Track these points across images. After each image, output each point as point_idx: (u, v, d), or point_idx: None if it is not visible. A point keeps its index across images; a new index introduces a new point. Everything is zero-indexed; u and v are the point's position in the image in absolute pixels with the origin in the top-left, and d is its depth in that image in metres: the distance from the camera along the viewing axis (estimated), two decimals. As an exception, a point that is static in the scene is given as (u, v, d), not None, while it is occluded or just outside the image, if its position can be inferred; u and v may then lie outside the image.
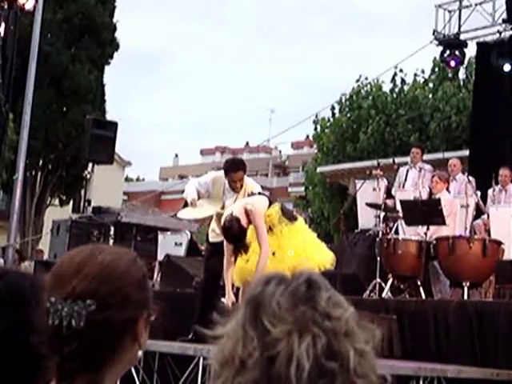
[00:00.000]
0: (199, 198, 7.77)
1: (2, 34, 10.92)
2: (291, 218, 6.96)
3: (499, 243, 8.62)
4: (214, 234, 7.72)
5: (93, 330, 1.46)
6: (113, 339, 1.50)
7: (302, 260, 6.61)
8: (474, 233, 9.61)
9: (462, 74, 24.57)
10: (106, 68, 23.25)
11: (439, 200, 9.09)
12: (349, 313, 1.16)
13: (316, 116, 25.41)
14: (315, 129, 26.48)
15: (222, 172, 7.86)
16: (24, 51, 12.39)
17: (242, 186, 7.64)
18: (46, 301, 1.49)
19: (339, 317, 1.14)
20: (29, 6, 11.26)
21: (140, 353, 1.57)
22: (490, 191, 10.67)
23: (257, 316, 1.14)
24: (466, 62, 16.49)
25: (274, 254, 6.74)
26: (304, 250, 6.77)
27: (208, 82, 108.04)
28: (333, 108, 25.66)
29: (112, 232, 13.24)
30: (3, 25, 10.91)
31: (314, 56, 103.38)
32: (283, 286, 1.16)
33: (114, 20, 23.20)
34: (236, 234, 6.70)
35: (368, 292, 9.17)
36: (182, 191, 8.24)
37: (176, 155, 68.21)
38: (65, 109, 22.03)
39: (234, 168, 7.69)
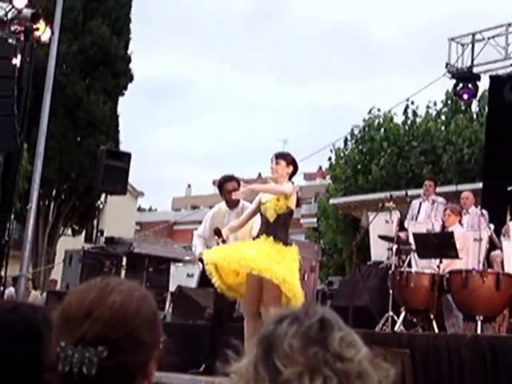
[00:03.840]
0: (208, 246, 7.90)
1: (18, 66, 11.02)
2: (280, 240, 6.90)
3: (513, 277, 8.56)
4: None
5: (104, 375, 1.43)
6: (124, 381, 1.47)
7: (257, 258, 6.57)
8: (488, 266, 9.56)
9: (474, 107, 24.60)
10: (120, 99, 23.45)
11: (452, 233, 9.05)
12: (362, 353, 1.15)
13: (333, 146, 25.46)
14: (329, 159, 26.49)
15: (217, 205, 8.03)
16: (39, 82, 12.50)
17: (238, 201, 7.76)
18: (55, 343, 1.46)
19: (352, 358, 1.13)
20: (45, 38, 11.37)
21: None
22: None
23: (269, 356, 1.13)
24: (478, 94, 16.51)
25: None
26: (266, 255, 6.69)
27: (221, 113, 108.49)
28: (346, 139, 25.71)
29: (124, 263, 13.25)
30: (19, 56, 11.01)
31: (327, 88, 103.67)
32: (296, 326, 1.16)
33: (129, 51, 23.43)
34: None
35: (380, 325, 9.10)
36: (195, 222, 8.31)
37: (189, 186, 68.31)
38: (79, 139, 22.17)
39: (227, 179, 7.94)
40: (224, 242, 7.27)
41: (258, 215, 7.35)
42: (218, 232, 7.27)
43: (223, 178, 8.04)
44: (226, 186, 7.88)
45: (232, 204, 7.81)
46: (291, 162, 7.17)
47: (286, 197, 6.94)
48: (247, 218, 7.21)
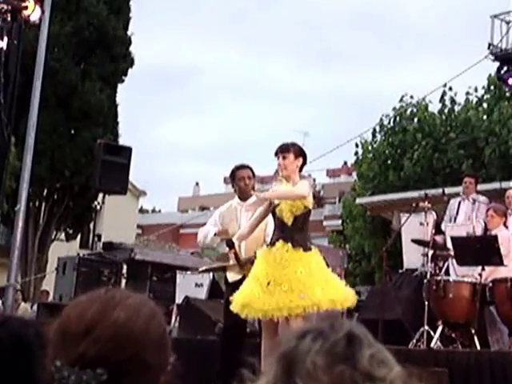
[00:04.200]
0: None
1: (5, 49, 11.06)
2: (300, 246, 6.91)
3: None
4: (233, 273, 7.73)
5: None
6: None
7: (295, 295, 6.58)
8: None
9: (521, 93, 24.50)
10: (119, 86, 23.50)
11: (496, 237, 9.02)
12: (394, 372, 1.15)
13: (360, 138, 25.37)
14: (355, 153, 26.44)
15: (226, 203, 8.04)
16: (28, 68, 12.56)
17: (253, 187, 7.78)
18: (50, 362, 1.45)
19: (383, 377, 1.13)
20: (34, 18, 11.40)
21: None
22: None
23: (290, 375, 1.14)
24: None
25: (268, 283, 6.75)
26: (301, 283, 6.70)
27: (233, 103, 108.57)
28: (374, 131, 25.65)
29: (125, 271, 13.29)
30: (6, 39, 11.05)
31: (352, 73, 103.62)
32: (320, 342, 1.16)
33: (129, 33, 23.49)
34: None
35: (415, 341, 9.10)
36: (204, 224, 8.33)
37: (197, 184, 68.49)
38: (73, 132, 22.25)
39: (239, 166, 7.97)
40: (237, 255, 7.27)
41: (245, 218, 7.41)
42: (230, 244, 7.25)
43: (236, 166, 8.07)
44: (239, 173, 7.91)
45: (245, 194, 7.80)
46: (299, 152, 7.16)
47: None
48: (257, 222, 7.21)
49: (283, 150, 7.08)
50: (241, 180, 7.86)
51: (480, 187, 12.32)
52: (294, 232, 6.87)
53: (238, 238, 7.30)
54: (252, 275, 6.91)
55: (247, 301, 6.75)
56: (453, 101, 25.47)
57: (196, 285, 12.33)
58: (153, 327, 1.50)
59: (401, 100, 25.47)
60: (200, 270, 8.73)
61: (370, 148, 26.02)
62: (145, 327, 1.48)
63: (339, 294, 6.71)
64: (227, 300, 7.42)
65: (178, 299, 12.08)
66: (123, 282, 13.30)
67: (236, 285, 7.42)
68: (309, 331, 1.18)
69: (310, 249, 6.92)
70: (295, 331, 1.20)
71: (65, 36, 21.92)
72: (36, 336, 1.77)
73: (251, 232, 7.26)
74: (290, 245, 6.77)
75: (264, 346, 6.80)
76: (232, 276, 7.79)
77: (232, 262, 7.49)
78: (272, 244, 6.89)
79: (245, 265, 7.38)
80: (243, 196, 7.85)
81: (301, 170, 7.18)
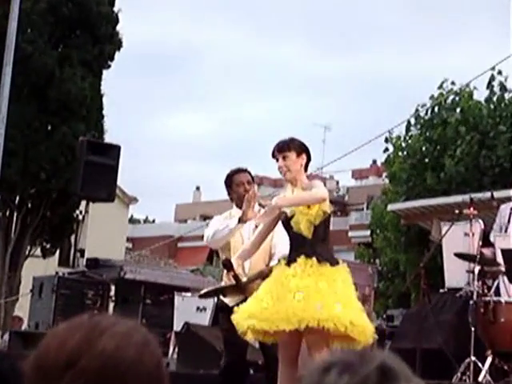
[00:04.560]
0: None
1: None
2: (326, 260, 6.89)
3: None
4: (233, 297, 7.69)
5: None
6: None
7: (310, 305, 6.55)
8: None
9: None
10: (105, 73, 23.51)
11: (555, 249, 9.02)
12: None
13: (389, 133, 25.36)
14: (385, 150, 26.42)
15: (224, 213, 8.02)
16: (-4, 52, 12.61)
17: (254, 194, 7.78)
18: None
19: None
20: (3, -7, 11.47)
21: None
22: None
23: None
24: None
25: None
26: (320, 294, 6.67)
27: (240, 92, 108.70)
28: (409, 124, 25.63)
29: (113, 293, 13.30)
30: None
31: (382, 56, 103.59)
32: (347, 376, 1.16)
33: (115, 9, 23.51)
34: None
35: (459, 374, 9.09)
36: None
37: (197, 188, 68.64)
38: (50, 127, 22.26)
39: (238, 170, 7.98)
40: (236, 277, 7.23)
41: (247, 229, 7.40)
42: (227, 264, 7.21)
43: (232, 170, 8.05)
44: (237, 177, 7.90)
45: (240, 199, 7.76)
46: (301, 148, 7.14)
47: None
48: (262, 238, 7.18)
49: (281, 149, 7.05)
50: (239, 186, 7.83)
51: (536, 190, 12.29)
52: (316, 246, 6.85)
53: (240, 257, 7.24)
54: (260, 291, 6.91)
55: (253, 310, 6.74)
56: (503, 87, 25.44)
57: (198, 309, 12.37)
58: (146, 357, 1.49)
59: (440, 87, 25.47)
60: (201, 293, 8.63)
61: (403, 144, 26.02)
62: (137, 357, 1.48)
63: (360, 321, 6.69)
64: (228, 330, 7.39)
65: (177, 326, 12.10)
66: (111, 305, 13.32)
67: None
68: (334, 363, 1.19)
69: (337, 262, 6.91)
70: (319, 363, 1.21)
71: (39, 14, 21.97)
72: (11, 370, 1.78)
73: (255, 250, 7.24)
74: (314, 259, 6.76)
75: (282, 379, 6.79)
76: (231, 300, 7.75)
77: (229, 283, 7.47)
78: (292, 260, 6.85)
79: (246, 287, 7.35)
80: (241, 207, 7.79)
81: (306, 169, 7.17)
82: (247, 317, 6.75)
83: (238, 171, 8.00)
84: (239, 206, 7.79)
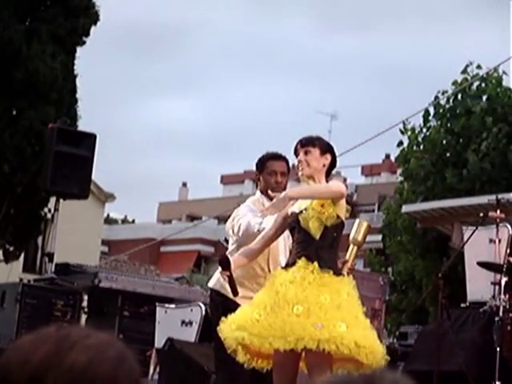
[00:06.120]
0: None
1: None
2: (329, 268, 6.89)
3: None
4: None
5: None
6: None
7: (310, 323, 6.54)
8: None
9: None
10: (79, 51, 23.52)
11: None
12: None
13: (404, 124, 25.37)
14: (399, 144, 26.44)
15: (251, 198, 8.04)
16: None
17: (285, 186, 7.77)
18: None
19: None
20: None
21: None
22: None
23: None
24: None
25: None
26: (322, 311, 6.66)
27: (238, 76, 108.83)
28: (427, 114, 25.66)
29: (85, 303, 13.31)
30: None
31: (396, 37, 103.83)
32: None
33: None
34: None
35: (482, 401, 9.12)
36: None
37: (184, 184, 68.80)
38: (15, 112, 22.28)
39: (275, 156, 8.00)
40: (231, 277, 7.17)
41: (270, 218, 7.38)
42: (224, 262, 7.15)
43: (268, 154, 8.08)
44: (272, 164, 7.93)
45: (272, 193, 7.74)
46: (327, 148, 7.20)
47: (333, 201, 6.91)
48: (274, 234, 7.19)
49: (305, 144, 7.11)
50: (271, 175, 7.88)
51: None
52: (322, 249, 6.86)
53: (247, 254, 7.24)
54: (253, 299, 6.91)
55: (242, 322, 6.72)
56: (535, 72, 25.53)
57: (183, 323, 12.36)
58: (121, 374, 1.49)
59: (464, 71, 25.51)
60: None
61: (420, 137, 26.05)
62: (111, 374, 1.47)
63: (368, 341, 6.66)
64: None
65: (158, 342, 12.10)
66: (83, 318, 13.34)
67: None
68: (338, 383, 1.17)
69: (342, 274, 6.91)
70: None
71: (4, -18, 22.00)
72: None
73: (265, 247, 7.24)
74: (316, 264, 6.75)
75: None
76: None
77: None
78: (291, 264, 6.86)
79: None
80: (267, 195, 7.76)
81: (328, 173, 7.18)
82: (235, 328, 6.74)
83: (273, 157, 8.02)
84: (264, 194, 7.80)
